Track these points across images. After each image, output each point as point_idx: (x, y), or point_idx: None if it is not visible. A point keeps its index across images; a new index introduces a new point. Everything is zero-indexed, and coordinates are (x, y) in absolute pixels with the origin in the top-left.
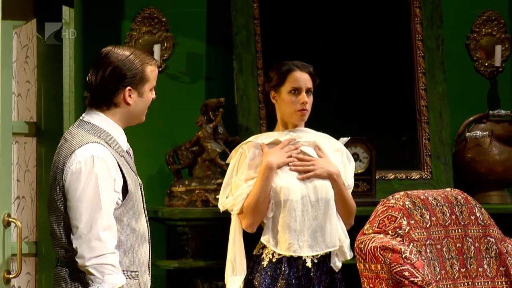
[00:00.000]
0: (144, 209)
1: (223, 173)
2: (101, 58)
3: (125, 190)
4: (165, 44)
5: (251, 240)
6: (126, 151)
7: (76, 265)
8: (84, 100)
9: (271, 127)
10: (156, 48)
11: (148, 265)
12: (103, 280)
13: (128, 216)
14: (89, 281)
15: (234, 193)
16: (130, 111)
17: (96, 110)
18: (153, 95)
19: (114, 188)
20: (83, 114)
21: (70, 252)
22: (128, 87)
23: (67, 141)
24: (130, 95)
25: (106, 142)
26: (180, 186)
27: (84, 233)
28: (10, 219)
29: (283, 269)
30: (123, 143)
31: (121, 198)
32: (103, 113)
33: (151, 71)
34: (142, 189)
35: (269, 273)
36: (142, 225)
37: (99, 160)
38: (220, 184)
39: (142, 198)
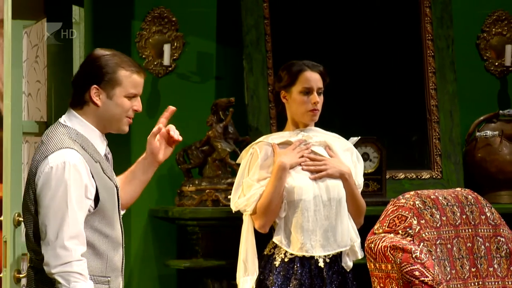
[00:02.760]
0: (119, 213)
1: (233, 173)
2: (86, 57)
3: (97, 197)
4: (175, 44)
5: (262, 240)
6: (105, 155)
7: None
8: None
9: (281, 127)
10: (166, 48)
11: (121, 270)
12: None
13: (101, 223)
14: None
15: (246, 193)
16: (101, 113)
17: (73, 111)
18: (135, 105)
19: (86, 195)
20: (63, 116)
21: (40, 255)
22: (94, 85)
23: (43, 144)
24: (97, 95)
25: (82, 147)
26: (191, 185)
27: (51, 240)
28: (20, 219)
29: (295, 268)
30: (100, 147)
31: (93, 205)
32: (79, 113)
33: (126, 76)
34: (119, 192)
35: (281, 273)
36: (116, 231)
37: (71, 167)
38: (230, 184)
39: (118, 202)
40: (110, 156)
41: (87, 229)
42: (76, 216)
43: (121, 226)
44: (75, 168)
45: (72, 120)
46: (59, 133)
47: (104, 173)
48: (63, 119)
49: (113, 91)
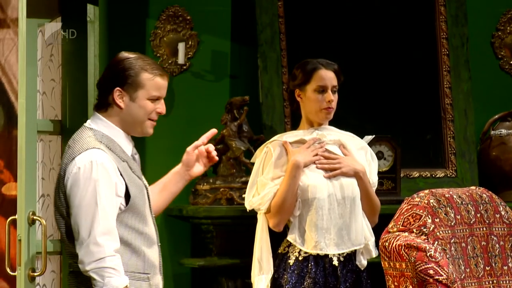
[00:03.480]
0: (150, 212)
1: (247, 171)
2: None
3: (127, 195)
4: (190, 42)
5: (276, 238)
6: (132, 156)
7: None
8: None
9: (295, 125)
10: (181, 46)
11: (159, 268)
12: (103, 283)
13: (134, 220)
14: (93, 286)
15: (260, 192)
16: (124, 115)
17: (98, 114)
18: (158, 108)
19: (116, 193)
20: (88, 120)
21: (77, 257)
22: (117, 88)
23: (70, 148)
24: (121, 97)
25: (108, 147)
26: (205, 184)
27: (84, 238)
28: (35, 217)
29: (310, 267)
30: (127, 147)
31: (124, 203)
32: (104, 116)
33: (148, 79)
34: (149, 191)
35: (295, 272)
36: (150, 228)
37: (98, 166)
38: (244, 183)
39: (149, 201)
40: (137, 157)
41: (120, 226)
42: (106, 213)
43: (154, 225)
44: (102, 166)
45: (97, 123)
46: (84, 135)
47: (133, 172)
48: (88, 122)
49: (136, 93)
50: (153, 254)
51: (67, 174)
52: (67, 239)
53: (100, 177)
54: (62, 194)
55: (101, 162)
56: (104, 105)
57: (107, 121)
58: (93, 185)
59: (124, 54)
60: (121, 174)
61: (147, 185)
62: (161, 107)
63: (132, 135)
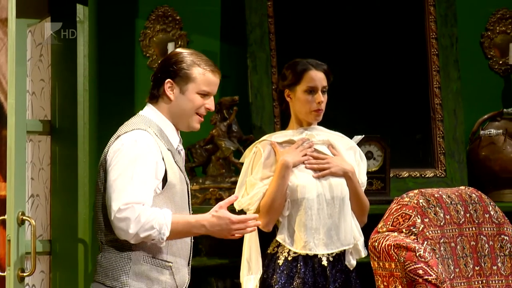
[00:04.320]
0: (189, 208)
1: (237, 172)
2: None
3: (165, 179)
4: (179, 42)
5: (265, 239)
6: (177, 149)
7: (112, 249)
8: (99, 100)
9: (284, 125)
10: (170, 47)
11: (188, 262)
12: (156, 231)
13: (168, 206)
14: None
15: (249, 192)
16: (173, 107)
17: (150, 105)
18: (207, 104)
19: (156, 174)
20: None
21: (109, 235)
22: (168, 79)
23: (118, 131)
24: (171, 89)
25: (155, 133)
26: (194, 184)
27: (114, 210)
28: (24, 217)
29: (299, 267)
30: (174, 139)
31: (160, 187)
32: (155, 107)
33: (200, 73)
34: (189, 188)
35: (285, 272)
36: None
37: (142, 144)
38: (234, 183)
39: (188, 198)
40: (183, 152)
41: None
42: (140, 187)
43: None
44: (146, 145)
45: (148, 112)
46: (134, 120)
47: (175, 162)
48: (140, 112)
49: (186, 86)
50: (183, 246)
51: (110, 150)
52: (99, 216)
53: (141, 154)
54: (102, 170)
55: (145, 141)
56: (155, 97)
57: (158, 111)
58: (133, 160)
59: (179, 49)
60: (162, 159)
61: (189, 182)
62: (210, 103)
63: (180, 129)
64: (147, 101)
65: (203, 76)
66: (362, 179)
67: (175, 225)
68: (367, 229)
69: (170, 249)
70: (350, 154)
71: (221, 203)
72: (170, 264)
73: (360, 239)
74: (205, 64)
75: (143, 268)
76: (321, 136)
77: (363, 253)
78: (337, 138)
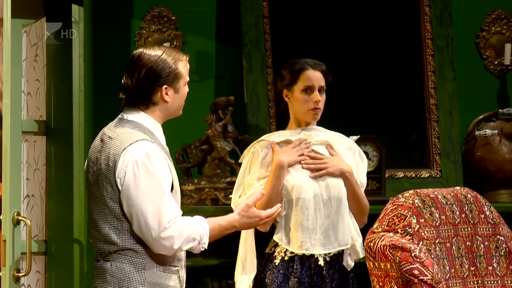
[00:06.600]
0: None
1: (232, 172)
2: (134, 60)
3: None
4: (175, 43)
5: (263, 238)
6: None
7: (124, 258)
8: (95, 100)
9: (280, 125)
10: None
11: (184, 262)
12: (197, 242)
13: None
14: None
15: (246, 192)
16: (169, 108)
17: (134, 108)
18: (187, 89)
19: (169, 182)
20: (122, 113)
21: (116, 246)
22: (165, 86)
23: (113, 139)
24: (167, 93)
25: (150, 139)
26: (190, 184)
27: (154, 228)
28: (19, 218)
29: (295, 267)
30: (163, 142)
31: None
32: (142, 111)
33: (184, 66)
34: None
35: (281, 271)
36: None
37: (154, 156)
38: (229, 183)
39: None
40: (167, 149)
41: None
42: (171, 200)
43: None
44: (158, 157)
45: (136, 116)
46: (127, 127)
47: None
48: (124, 115)
49: (178, 84)
50: None
51: (120, 165)
52: (105, 228)
53: (158, 167)
54: (109, 185)
55: (154, 153)
56: (144, 104)
57: (147, 115)
58: (155, 175)
59: (153, 53)
60: (168, 166)
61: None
62: (187, 87)
63: (167, 120)
64: (129, 105)
65: (186, 67)
66: (361, 180)
67: (212, 231)
68: (363, 230)
69: (177, 254)
70: (350, 154)
71: (248, 201)
72: (177, 268)
73: (358, 240)
74: (179, 55)
75: (156, 276)
76: (320, 136)
77: (361, 254)
78: (337, 138)
